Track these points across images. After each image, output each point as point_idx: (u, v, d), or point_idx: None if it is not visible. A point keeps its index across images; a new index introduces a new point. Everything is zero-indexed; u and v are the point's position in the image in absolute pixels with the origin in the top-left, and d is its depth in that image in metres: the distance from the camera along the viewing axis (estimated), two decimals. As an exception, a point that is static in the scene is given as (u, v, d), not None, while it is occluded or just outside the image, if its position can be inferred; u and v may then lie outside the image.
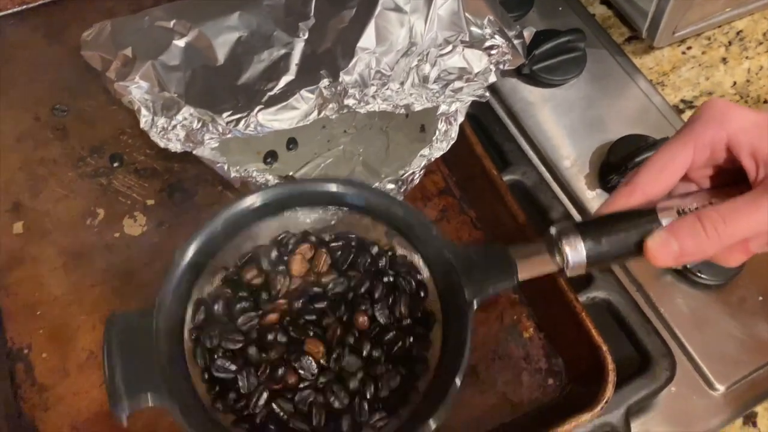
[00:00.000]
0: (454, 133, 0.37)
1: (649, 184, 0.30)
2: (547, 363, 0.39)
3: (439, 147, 0.37)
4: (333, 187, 0.33)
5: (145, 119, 0.40)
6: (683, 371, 0.40)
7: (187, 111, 0.38)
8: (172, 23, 0.42)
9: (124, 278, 0.41)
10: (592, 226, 0.30)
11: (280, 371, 0.30)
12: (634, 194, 0.31)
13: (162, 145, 0.40)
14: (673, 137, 0.31)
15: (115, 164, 0.45)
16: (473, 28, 0.38)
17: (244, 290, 0.33)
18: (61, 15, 0.51)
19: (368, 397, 0.30)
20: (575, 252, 0.30)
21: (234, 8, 0.41)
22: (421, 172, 0.39)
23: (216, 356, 0.30)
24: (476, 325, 0.39)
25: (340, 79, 0.36)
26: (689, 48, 0.55)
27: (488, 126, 0.47)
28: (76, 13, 0.51)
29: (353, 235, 0.34)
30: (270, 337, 0.31)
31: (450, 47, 0.36)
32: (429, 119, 0.40)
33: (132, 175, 0.45)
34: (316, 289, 0.32)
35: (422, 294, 0.33)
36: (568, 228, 0.30)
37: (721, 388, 0.40)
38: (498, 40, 0.37)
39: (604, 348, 0.36)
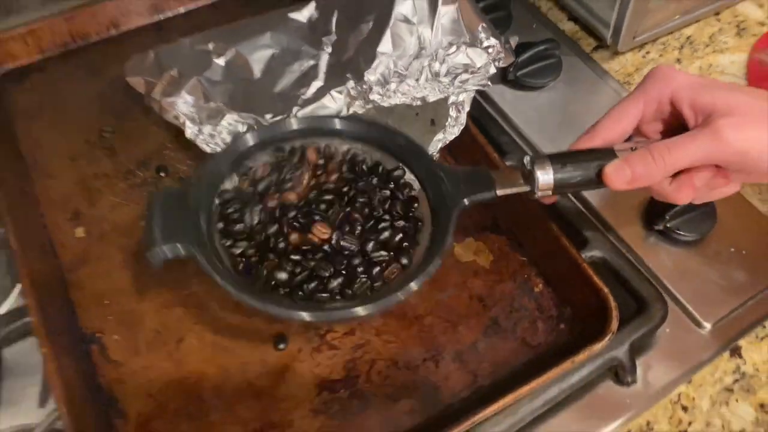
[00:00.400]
0: (463, 119, 0.44)
1: (607, 130, 0.38)
2: (558, 311, 0.45)
3: (452, 132, 0.44)
4: (347, 121, 0.41)
5: (190, 130, 0.46)
6: (673, 314, 0.46)
7: (231, 117, 0.45)
8: (210, 46, 0.48)
9: (179, 267, 0.46)
10: (560, 157, 0.38)
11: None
12: (594, 139, 0.38)
13: (208, 150, 0.46)
14: (628, 95, 0.39)
15: (162, 174, 0.50)
16: (470, 33, 0.45)
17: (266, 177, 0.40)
18: (99, 54, 0.58)
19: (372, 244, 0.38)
20: (545, 174, 0.37)
21: (264, 30, 0.48)
22: (437, 156, 0.45)
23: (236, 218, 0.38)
24: (493, 285, 0.45)
25: (365, 79, 0.43)
26: (648, 52, 0.63)
27: (485, 124, 0.55)
28: (112, 52, 0.58)
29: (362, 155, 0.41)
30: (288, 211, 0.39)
31: (454, 47, 0.44)
32: (437, 114, 0.47)
33: (177, 183, 0.50)
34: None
35: (414, 202, 0.40)
36: (541, 156, 0.37)
37: (707, 325, 0.46)
38: (493, 41, 0.45)
39: (605, 290, 0.42)
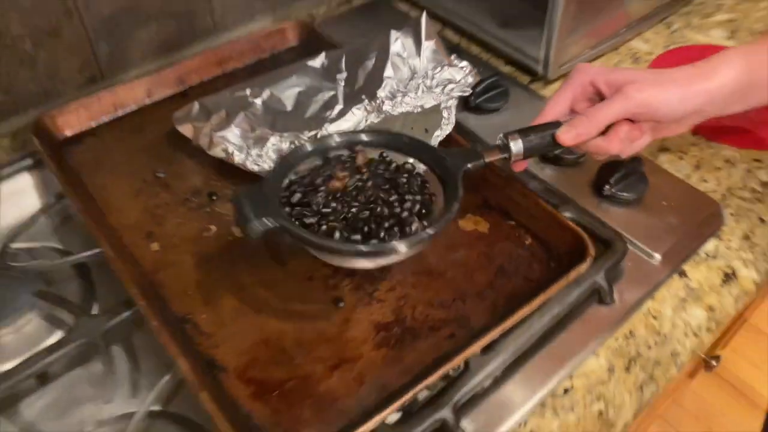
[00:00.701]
0: (453, 119, 0.59)
1: (551, 111, 0.53)
2: (547, 255, 0.58)
3: (446, 129, 0.58)
4: (374, 133, 0.54)
5: (238, 156, 0.59)
6: (631, 253, 0.60)
7: (274, 139, 0.57)
8: (247, 91, 0.62)
9: (240, 262, 0.57)
10: (524, 130, 0.52)
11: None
12: (545, 118, 0.53)
13: (257, 170, 0.58)
14: (561, 86, 0.54)
15: (213, 197, 0.62)
16: (447, 59, 0.61)
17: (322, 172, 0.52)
18: (140, 118, 0.70)
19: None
20: (516, 144, 0.51)
21: (290, 74, 0.62)
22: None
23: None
24: (493, 244, 0.58)
25: (377, 95, 0.57)
26: (571, 81, 0.81)
27: (460, 137, 0.69)
28: (150, 116, 0.70)
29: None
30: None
31: (439, 68, 0.59)
32: (429, 123, 0.61)
33: (228, 203, 0.62)
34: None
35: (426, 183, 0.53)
36: (511, 131, 0.51)
37: (658, 257, 0.60)
38: (464, 63, 0.60)
39: (579, 230, 0.56)
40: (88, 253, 0.57)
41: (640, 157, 0.66)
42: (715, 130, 0.73)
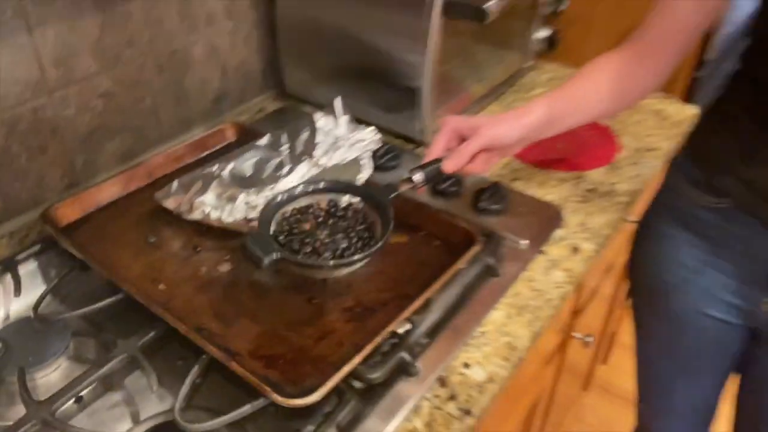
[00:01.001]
0: (370, 165, 0.83)
1: (433, 152, 0.78)
2: (450, 249, 0.81)
3: (367, 173, 0.82)
4: (326, 183, 0.76)
5: (215, 214, 0.79)
6: (506, 243, 0.85)
7: (243, 194, 0.78)
8: (215, 167, 0.83)
9: (232, 287, 0.75)
10: (422, 166, 0.76)
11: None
12: (430, 157, 0.78)
13: (231, 221, 0.78)
14: (437, 135, 0.80)
15: (198, 249, 0.80)
16: (358, 126, 0.86)
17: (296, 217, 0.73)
18: (123, 204, 0.88)
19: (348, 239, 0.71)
20: (417, 175, 0.75)
21: (245, 151, 0.84)
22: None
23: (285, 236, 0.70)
24: (414, 248, 0.81)
25: (314, 155, 0.80)
26: (443, 144, 1.09)
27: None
28: (129, 202, 0.88)
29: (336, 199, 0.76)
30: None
31: (355, 132, 0.83)
32: (353, 172, 0.84)
33: (210, 251, 0.80)
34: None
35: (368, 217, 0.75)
36: (414, 168, 0.76)
37: (525, 242, 0.86)
38: (371, 128, 0.86)
39: (469, 227, 0.80)
40: (111, 299, 0.73)
41: (499, 182, 0.94)
42: (547, 162, 1.03)
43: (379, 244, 0.69)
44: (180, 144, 0.97)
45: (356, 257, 0.67)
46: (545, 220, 0.90)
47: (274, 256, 0.64)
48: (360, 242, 0.70)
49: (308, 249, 0.69)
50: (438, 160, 0.76)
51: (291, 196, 0.74)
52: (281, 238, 0.70)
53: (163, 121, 1.03)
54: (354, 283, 0.76)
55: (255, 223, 0.76)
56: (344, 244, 0.71)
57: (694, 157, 0.83)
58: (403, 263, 0.79)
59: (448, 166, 0.75)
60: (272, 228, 0.71)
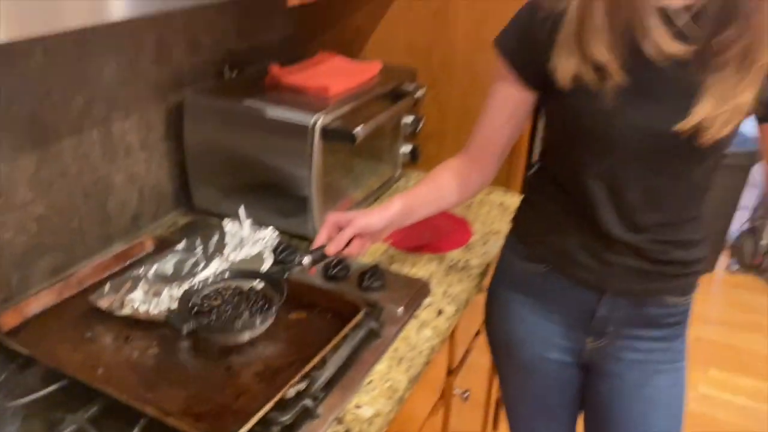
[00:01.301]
0: (271, 258, 1.03)
1: (319, 240, 1.00)
2: (341, 319, 1.01)
3: (269, 263, 1.02)
4: (233, 271, 0.96)
5: (143, 307, 0.95)
6: (386, 310, 1.06)
7: (167, 289, 0.96)
8: (141, 270, 1.00)
9: (161, 362, 0.91)
10: (311, 251, 0.97)
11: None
12: (316, 244, 1.00)
13: (157, 311, 0.95)
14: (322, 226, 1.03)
15: (128, 339, 0.96)
16: (260, 228, 1.07)
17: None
18: (58, 311, 1.02)
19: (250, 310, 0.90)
20: (307, 258, 0.97)
21: (166, 255, 1.02)
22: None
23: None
24: (312, 321, 1.01)
25: (224, 252, 1.00)
26: (332, 241, 1.31)
27: (275, 278, 1.13)
28: (61, 311, 1.03)
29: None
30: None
31: (257, 232, 1.04)
32: (258, 263, 1.04)
33: (140, 340, 0.96)
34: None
35: (267, 294, 0.95)
36: (304, 253, 0.97)
37: (401, 309, 1.07)
38: (270, 228, 1.07)
39: (354, 300, 1.01)
40: (55, 386, 0.86)
41: (378, 264, 1.16)
42: (417, 247, 1.27)
43: (274, 308, 0.88)
44: (106, 256, 1.13)
45: (257, 321, 0.86)
46: (416, 292, 1.13)
47: (191, 325, 0.83)
48: (260, 311, 0.90)
49: (218, 319, 0.88)
50: (322, 247, 0.98)
51: (205, 284, 0.93)
52: (195, 313, 0.88)
53: (89, 238, 1.19)
54: (263, 353, 0.94)
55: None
56: (247, 314, 0.90)
57: (518, 235, 1.10)
58: (303, 334, 0.98)
59: (330, 250, 0.97)
60: (189, 307, 0.89)
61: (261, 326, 0.88)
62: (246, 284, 0.96)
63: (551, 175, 1.01)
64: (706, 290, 2.92)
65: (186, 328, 0.82)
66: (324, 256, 0.97)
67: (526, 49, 0.92)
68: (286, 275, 0.94)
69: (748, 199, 3.09)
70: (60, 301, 1.04)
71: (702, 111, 0.81)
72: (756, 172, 2.82)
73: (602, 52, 0.82)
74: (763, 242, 2.90)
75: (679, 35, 0.81)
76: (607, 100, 0.84)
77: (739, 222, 3.05)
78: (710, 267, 3.03)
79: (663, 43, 0.80)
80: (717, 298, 2.88)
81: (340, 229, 0.99)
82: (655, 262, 0.95)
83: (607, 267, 0.98)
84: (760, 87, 0.80)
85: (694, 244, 0.98)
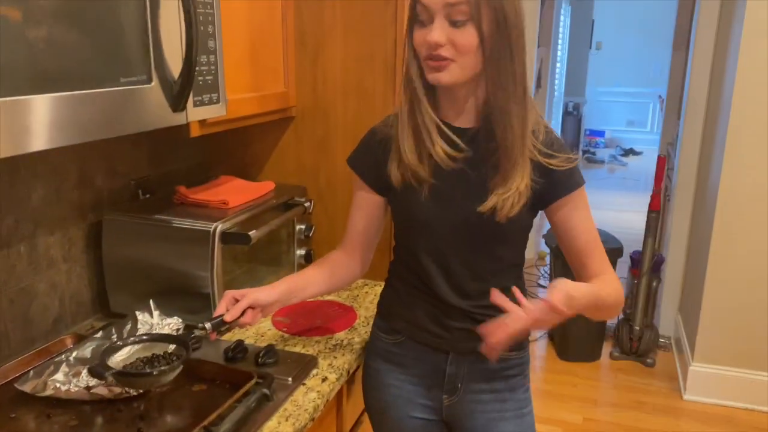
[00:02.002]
0: (182, 329, 1.22)
1: (218, 311, 1.21)
2: (236, 388, 1.20)
3: (179, 332, 1.22)
4: (155, 335, 1.15)
5: (64, 387, 1.12)
6: (279, 381, 1.26)
7: (85, 370, 1.13)
8: (63, 356, 1.16)
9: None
10: (211, 319, 1.19)
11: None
12: (215, 314, 1.21)
13: (76, 389, 1.12)
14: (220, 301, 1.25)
15: (50, 416, 1.11)
16: (167, 318, 1.27)
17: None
18: (-18, 400, 1.16)
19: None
20: (208, 325, 1.17)
21: (86, 342, 1.19)
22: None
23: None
24: (211, 391, 1.20)
25: (136, 334, 1.19)
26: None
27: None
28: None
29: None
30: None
31: (165, 320, 1.24)
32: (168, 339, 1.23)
33: (60, 416, 1.11)
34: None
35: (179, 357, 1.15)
36: (205, 321, 1.18)
37: (290, 379, 1.27)
38: (175, 318, 1.27)
39: (249, 372, 1.21)
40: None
41: (272, 344, 1.37)
42: (309, 331, 1.49)
43: (183, 357, 1.08)
44: (29, 353, 1.29)
45: (165, 368, 1.05)
46: (305, 365, 1.33)
47: (112, 370, 1.01)
48: (167, 363, 1.09)
49: (133, 369, 1.07)
50: (221, 316, 1.18)
51: (117, 346, 1.12)
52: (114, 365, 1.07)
53: (12, 340, 1.34)
54: (169, 420, 1.11)
55: (96, 389, 1.10)
56: (161, 364, 1.09)
57: (380, 313, 1.34)
58: (204, 401, 1.17)
59: (227, 317, 1.17)
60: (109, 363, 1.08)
61: (171, 373, 1.07)
62: (157, 348, 1.15)
63: (401, 259, 1.29)
64: (594, 376, 3.21)
65: (108, 374, 1.00)
66: (222, 323, 1.17)
67: (369, 163, 1.23)
68: (192, 334, 1.14)
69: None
70: (-15, 392, 1.18)
71: (493, 198, 1.11)
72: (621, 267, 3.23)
73: (414, 161, 1.13)
74: (637, 328, 3.26)
75: (456, 146, 1.13)
76: (423, 196, 1.14)
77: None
78: (596, 356, 3.34)
79: (446, 150, 1.12)
80: (604, 383, 3.16)
81: (235, 301, 1.21)
82: (483, 323, 1.21)
83: (448, 331, 1.23)
84: (530, 179, 1.11)
85: None
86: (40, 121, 0.90)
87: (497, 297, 1.00)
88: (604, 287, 1.13)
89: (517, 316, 0.97)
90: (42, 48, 0.89)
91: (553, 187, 1.14)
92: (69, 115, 0.94)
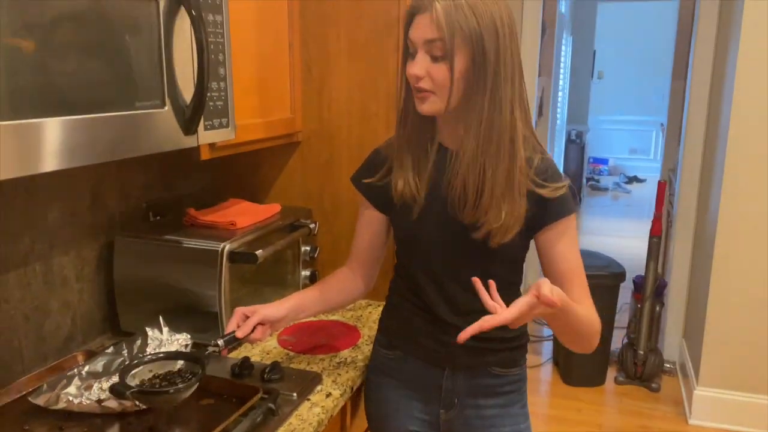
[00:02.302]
0: (191, 344, 1.26)
1: (229, 328, 1.25)
2: (243, 402, 1.23)
3: (186, 349, 1.25)
4: (166, 353, 1.19)
5: (77, 400, 1.16)
6: (284, 396, 1.29)
7: (97, 383, 1.16)
8: (75, 370, 1.20)
9: (92, 444, 1.10)
10: (222, 336, 1.23)
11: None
12: (226, 331, 1.25)
13: (88, 402, 1.15)
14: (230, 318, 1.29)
15: (62, 429, 1.14)
16: (176, 334, 1.31)
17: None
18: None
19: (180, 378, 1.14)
20: (220, 342, 1.21)
21: (97, 357, 1.23)
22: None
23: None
24: (218, 406, 1.23)
25: (146, 351, 1.22)
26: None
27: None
28: (4, 409, 1.20)
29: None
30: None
31: (174, 336, 1.28)
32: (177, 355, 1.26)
33: (72, 429, 1.14)
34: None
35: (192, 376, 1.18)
36: (218, 338, 1.22)
37: (295, 395, 1.30)
38: (184, 334, 1.31)
39: (253, 386, 1.24)
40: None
41: (277, 361, 1.40)
42: (311, 349, 1.53)
43: (199, 374, 1.11)
44: (42, 368, 1.32)
45: (182, 386, 1.09)
46: (310, 381, 1.37)
47: (132, 389, 1.04)
48: (183, 381, 1.12)
49: (152, 387, 1.10)
50: (232, 332, 1.22)
51: (134, 364, 1.15)
52: (134, 383, 1.10)
53: (26, 357, 1.38)
54: (176, 426, 1.14)
55: (107, 403, 1.14)
56: (178, 381, 1.12)
57: (381, 329, 1.38)
58: (212, 414, 1.20)
59: (239, 333, 1.21)
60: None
61: (188, 391, 1.10)
62: (171, 365, 1.19)
63: (400, 276, 1.33)
64: (599, 401, 3.21)
65: (129, 392, 1.03)
66: (234, 339, 1.21)
67: (371, 181, 1.28)
68: (206, 353, 1.18)
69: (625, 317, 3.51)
70: (1, 405, 1.22)
71: (485, 227, 1.14)
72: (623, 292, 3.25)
73: (409, 180, 1.18)
74: (641, 353, 3.26)
75: (448, 168, 1.16)
76: (418, 215, 1.19)
77: (620, 338, 3.43)
78: (601, 380, 3.34)
79: (438, 171, 1.17)
80: (608, 408, 3.16)
81: (246, 318, 1.25)
82: (479, 339, 1.21)
83: (444, 347, 1.26)
84: (524, 209, 1.14)
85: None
86: (59, 141, 0.95)
87: (479, 286, 1.00)
88: (583, 308, 1.13)
89: (496, 318, 0.97)
90: (63, 75, 0.95)
91: (543, 213, 1.17)
92: (86, 137, 1.00)
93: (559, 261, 1.19)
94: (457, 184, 1.15)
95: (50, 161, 0.95)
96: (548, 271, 1.21)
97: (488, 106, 1.09)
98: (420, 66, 1.10)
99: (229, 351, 1.46)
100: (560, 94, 6.12)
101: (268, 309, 1.26)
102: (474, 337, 1.22)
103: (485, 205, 1.13)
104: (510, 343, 1.28)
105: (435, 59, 1.09)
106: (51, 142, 0.94)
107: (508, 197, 1.12)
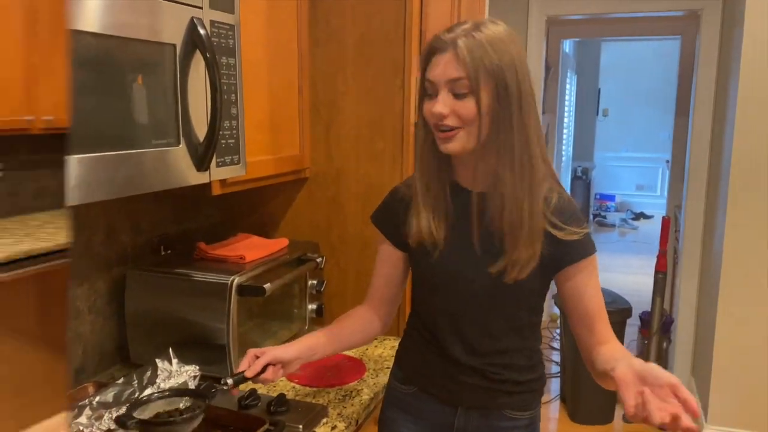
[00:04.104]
0: (195, 383, 1.28)
1: (241, 367, 1.26)
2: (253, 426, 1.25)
3: (192, 382, 1.27)
4: (175, 391, 1.21)
5: (88, 429, 1.18)
6: (289, 427, 1.31)
7: (107, 413, 1.19)
8: (86, 401, 1.23)
9: (101, 473, 1.12)
10: (232, 375, 1.24)
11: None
12: (238, 370, 1.27)
13: (97, 430, 1.17)
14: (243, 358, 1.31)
15: (73, 457, 1.16)
16: (185, 366, 1.33)
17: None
18: None
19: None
20: (230, 380, 1.23)
21: (108, 387, 1.26)
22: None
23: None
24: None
25: (156, 382, 1.25)
26: (248, 382, 1.56)
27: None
28: None
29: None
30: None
31: (183, 367, 1.30)
32: (186, 386, 1.29)
33: (81, 457, 1.16)
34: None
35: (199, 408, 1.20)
36: (227, 376, 1.24)
37: (300, 426, 1.32)
38: (193, 366, 1.33)
39: (259, 417, 1.26)
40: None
41: (283, 393, 1.42)
42: (321, 383, 1.54)
43: (204, 406, 1.13)
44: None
45: (184, 417, 1.11)
46: (316, 414, 1.38)
47: (135, 419, 1.07)
48: (190, 414, 1.14)
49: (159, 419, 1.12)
50: (242, 372, 1.24)
51: (144, 401, 1.18)
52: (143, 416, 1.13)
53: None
54: (186, 459, 1.16)
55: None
56: (183, 415, 1.14)
57: (397, 364, 1.39)
58: (219, 444, 1.22)
59: (249, 373, 1.23)
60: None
61: (192, 422, 1.12)
62: (179, 402, 1.21)
63: (416, 312, 1.34)
64: (607, 439, 3.18)
65: (131, 423, 1.06)
66: (244, 379, 1.23)
67: (391, 221, 1.30)
68: (213, 390, 1.20)
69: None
70: (13, 433, 1.24)
71: (501, 261, 1.16)
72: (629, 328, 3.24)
73: (426, 222, 1.20)
74: (648, 390, 3.23)
75: (467, 209, 1.19)
76: (436, 257, 1.21)
77: (627, 374, 3.40)
78: (609, 418, 3.31)
79: (457, 212, 1.20)
80: (617, 446, 3.13)
81: (257, 359, 1.26)
82: (493, 381, 1.23)
83: (458, 386, 1.27)
84: (540, 247, 1.16)
85: (524, 368, 1.27)
86: (79, 177, 1.00)
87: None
88: (622, 350, 1.17)
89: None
90: (83, 114, 1.00)
91: (564, 253, 1.18)
92: (105, 173, 1.05)
93: (588, 300, 1.20)
94: (494, 226, 1.16)
95: (70, 196, 1.00)
96: (574, 311, 1.22)
97: (518, 142, 1.12)
98: (444, 104, 1.12)
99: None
100: (565, 131, 6.19)
101: (279, 350, 1.26)
102: (488, 378, 1.23)
103: (520, 242, 1.14)
104: (525, 387, 1.27)
105: (458, 96, 1.11)
106: (72, 178, 0.99)
107: (528, 229, 1.14)
